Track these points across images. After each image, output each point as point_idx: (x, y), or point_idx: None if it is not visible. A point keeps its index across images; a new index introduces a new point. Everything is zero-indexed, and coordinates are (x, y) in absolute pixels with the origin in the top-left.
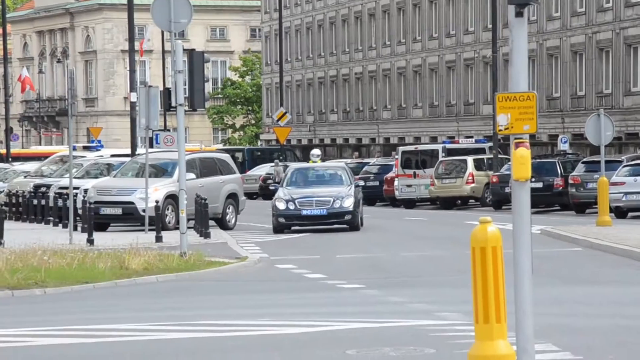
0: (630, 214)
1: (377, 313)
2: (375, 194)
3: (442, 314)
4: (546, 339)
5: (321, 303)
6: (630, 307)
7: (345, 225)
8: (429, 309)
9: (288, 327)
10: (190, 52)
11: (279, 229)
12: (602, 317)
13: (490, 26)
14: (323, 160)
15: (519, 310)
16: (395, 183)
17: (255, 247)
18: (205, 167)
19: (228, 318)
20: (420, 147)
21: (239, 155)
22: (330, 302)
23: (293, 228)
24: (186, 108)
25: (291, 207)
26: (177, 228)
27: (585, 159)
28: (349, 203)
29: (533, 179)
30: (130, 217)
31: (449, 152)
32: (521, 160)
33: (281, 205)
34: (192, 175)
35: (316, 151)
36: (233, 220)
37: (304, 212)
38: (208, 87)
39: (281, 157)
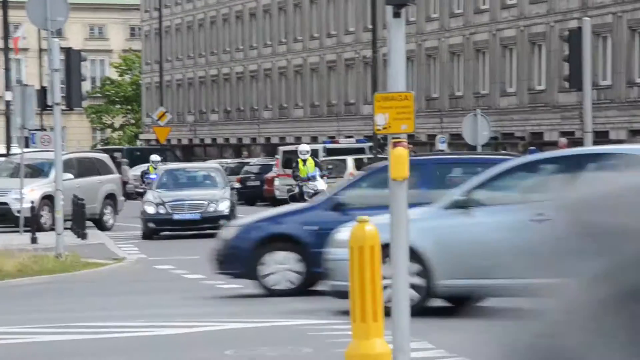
0: None
1: (256, 313)
2: (256, 194)
3: (320, 313)
4: (422, 337)
5: (200, 304)
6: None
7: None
8: (308, 308)
9: (166, 329)
10: (67, 51)
11: (148, 234)
12: (476, 315)
13: (370, 26)
14: (203, 160)
15: (396, 309)
16: (276, 183)
17: (133, 248)
18: (83, 167)
19: (105, 320)
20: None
21: (118, 155)
22: (209, 303)
23: (163, 234)
24: (63, 107)
25: (162, 211)
26: (54, 229)
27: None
28: (224, 207)
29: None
30: (3, 218)
31: (330, 152)
32: (399, 160)
33: (150, 210)
34: (70, 176)
35: (304, 147)
36: (111, 221)
37: (176, 217)
38: (86, 86)
39: (161, 157)
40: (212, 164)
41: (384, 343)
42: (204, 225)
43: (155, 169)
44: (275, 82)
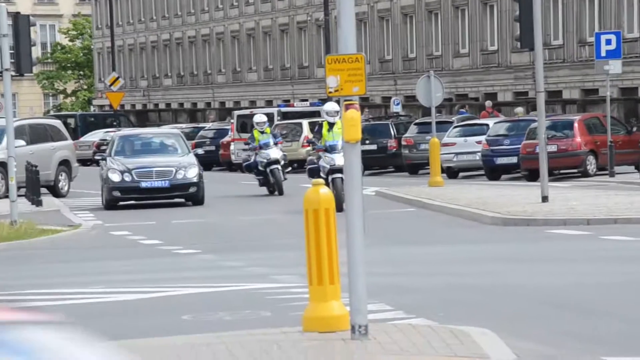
0: (461, 174)
1: (214, 278)
2: (212, 159)
3: (278, 277)
4: (379, 298)
5: (157, 269)
6: (460, 265)
7: (186, 200)
8: (265, 272)
9: (123, 295)
10: (15, 16)
11: (112, 203)
12: (434, 276)
13: None
14: (158, 125)
15: (352, 271)
16: (232, 147)
17: (89, 214)
18: (36, 134)
19: (60, 286)
20: (255, 111)
21: (71, 121)
22: (166, 268)
23: (128, 202)
24: (13, 73)
25: (127, 178)
26: (7, 196)
27: (417, 121)
28: (193, 174)
29: (367, 141)
30: None
31: (285, 116)
32: (351, 122)
33: (115, 177)
34: (22, 142)
35: (260, 117)
36: (66, 188)
37: (144, 185)
38: (36, 52)
39: (114, 123)
40: (171, 129)
41: (341, 305)
42: (173, 193)
43: (262, 132)
44: (228, 46)
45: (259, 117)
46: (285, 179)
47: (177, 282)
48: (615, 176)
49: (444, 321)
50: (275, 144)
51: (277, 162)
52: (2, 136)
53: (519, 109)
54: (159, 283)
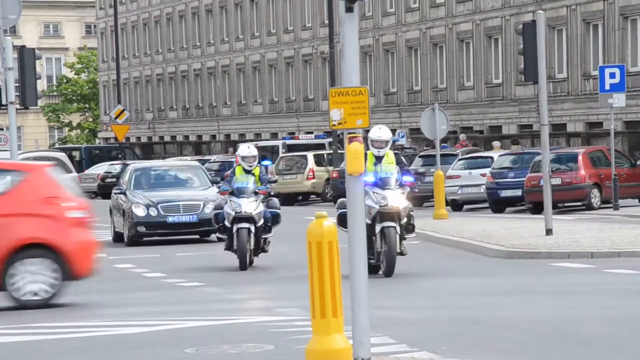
0: (465, 207)
1: (217, 311)
2: None
3: (281, 309)
4: (383, 331)
5: (160, 302)
6: (464, 298)
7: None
8: (269, 305)
9: (126, 327)
10: (21, 49)
11: (136, 239)
12: (437, 309)
13: (327, 22)
14: (163, 158)
15: (355, 304)
16: None
17: None
18: None
19: (64, 320)
20: (261, 144)
21: (76, 154)
22: (169, 301)
23: (154, 238)
24: (18, 106)
25: (153, 213)
26: None
27: (422, 153)
28: None
29: None
30: None
31: (290, 148)
32: (355, 155)
33: (140, 212)
34: None
35: (249, 149)
36: None
37: (170, 219)
38: (42, 85)
39: (119, 156)
40: (191, 161)
41: (344, 338)
42: (201, 228)
43: (248, 172)
44: (233, 78)
45: (246, 150)
46: (265, 250)
47: (180, 315)
48: (620, 209)
49: (447, 354)
50: (256, 192)
51: (249, 220)
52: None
53: (496, 143)
54: (161, 316)
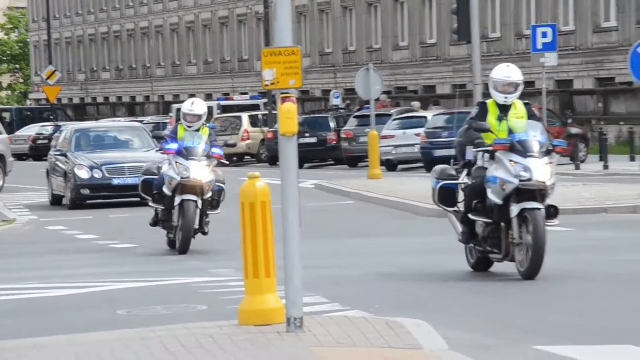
0: (400, 166)
1: (150, 272)
2: None
3: (215, 270)
4: (315, 291)
5: (92, 264)
6: (397, 256)
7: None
8: (203, 266)
9: (57, 290)
10: None
11: (79, 201)
12: (370, 268)
13: None
14: (96, 119)
15: (288, 264)
16: None
17: (24, 209)
18: None
19: None
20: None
21: (6, 115)
22: (101, 263)
23: (97, 201)
24: None
25: (97, 175)
26: None
27: (356, 113)
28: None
29: (307, 134)
30: None
31: (224, 109)
32: (288, 115)
33: (83, 174)
34: None
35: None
36: (0, 182)
37: (115, 182)
38: None
39: (51, 117)
40: (133, 122)
41: (277, 298)
42: None
43: (190, 131)
44: (167, 39)
45: (189, 105)
46: (205, 231)
47: (112, 277)
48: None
49: (379, 313)
50: (209, 156)
51: (195, 190)
52: None
53: (415, 103)
54: (93, 278)
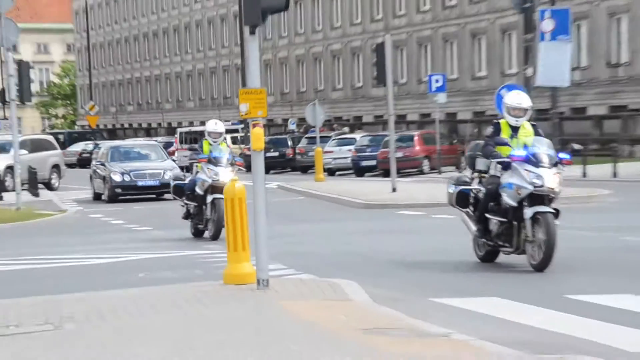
0: (337, 173)
1: (162, 247)
2: None
3: (208, 246)
4: (278, 261)
5: (121, 241)
6: (338, 236)
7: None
8: (199, 243)
9: (96, 259)
10: (19, 62)
11: (114, 198)
12: (318, 245)
13: (239, 42)
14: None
15: (257, 242)
16: (176, 155)
17: (73, 203)
18: (35, 146)
19: (50, 254)
20: (193, 129)
21: (61, 136)
22: (127, 240)
23: (127, 197)
24: (17, 102)
25: (127, 178)
26: (14, 190)
27: (307, 135)
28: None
29: (272, 150)
30: None
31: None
32: (257, 136)
33: (117, 178)
34: (25, 152)
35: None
36: (57, 184)
37: (140, 183)
38: (35, 87)
39: (92, 138)
40: (150, 141)
41: (250, 265)
42: (162, 190)
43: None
44: (173, 82)
45: (213, 125)
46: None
47: (135, 250)
48: (442, 174)
49: (323, 276)
50: (232, 164)
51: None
52: (10, 148)
53: (345, 129)
54: (121, 251)
